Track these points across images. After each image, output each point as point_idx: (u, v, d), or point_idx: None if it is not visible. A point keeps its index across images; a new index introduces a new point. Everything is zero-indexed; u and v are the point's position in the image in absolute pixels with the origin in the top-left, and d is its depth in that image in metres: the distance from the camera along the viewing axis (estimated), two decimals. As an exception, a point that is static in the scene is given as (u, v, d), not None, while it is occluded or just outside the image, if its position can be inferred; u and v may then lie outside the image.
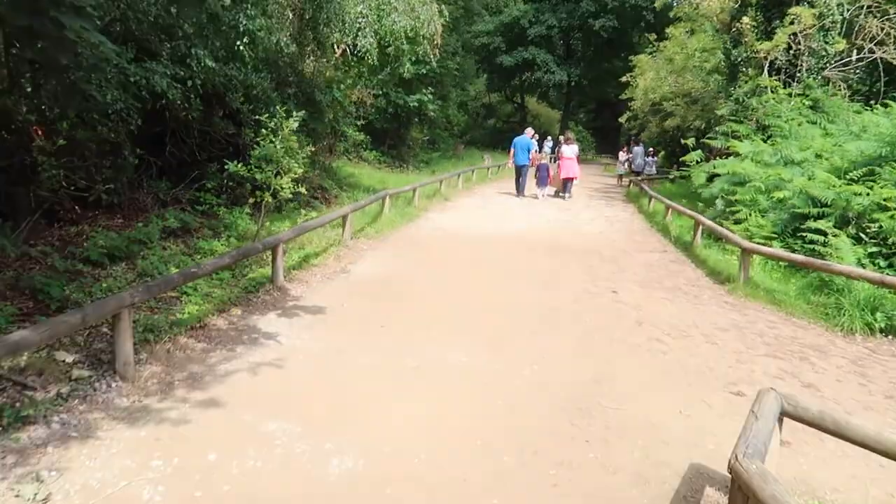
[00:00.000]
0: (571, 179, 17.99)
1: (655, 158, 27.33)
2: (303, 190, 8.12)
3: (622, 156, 25.75)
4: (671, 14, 20.31)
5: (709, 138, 13.81)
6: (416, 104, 21.23)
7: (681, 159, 13.70)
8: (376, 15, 11.24)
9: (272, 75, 10.93)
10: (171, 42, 7.53)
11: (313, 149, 11.63)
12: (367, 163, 21.16)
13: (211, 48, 7.60)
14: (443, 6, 12.06)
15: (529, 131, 18.49)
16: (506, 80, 44.74)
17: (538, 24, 40.26)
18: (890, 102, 11.64)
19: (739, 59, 13.77)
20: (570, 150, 17.86)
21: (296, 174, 8.05)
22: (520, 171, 17.53)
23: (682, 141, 14.01)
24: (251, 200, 8.00)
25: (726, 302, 7.35)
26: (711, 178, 13.09)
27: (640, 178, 22.80)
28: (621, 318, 6.42)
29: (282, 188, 7.81)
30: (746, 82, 13.75)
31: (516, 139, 17.66)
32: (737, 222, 9.58)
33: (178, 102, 7.83)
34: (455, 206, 15.16)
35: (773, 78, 13.10)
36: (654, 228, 12.92)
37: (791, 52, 12.93)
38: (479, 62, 41.74)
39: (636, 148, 25.19)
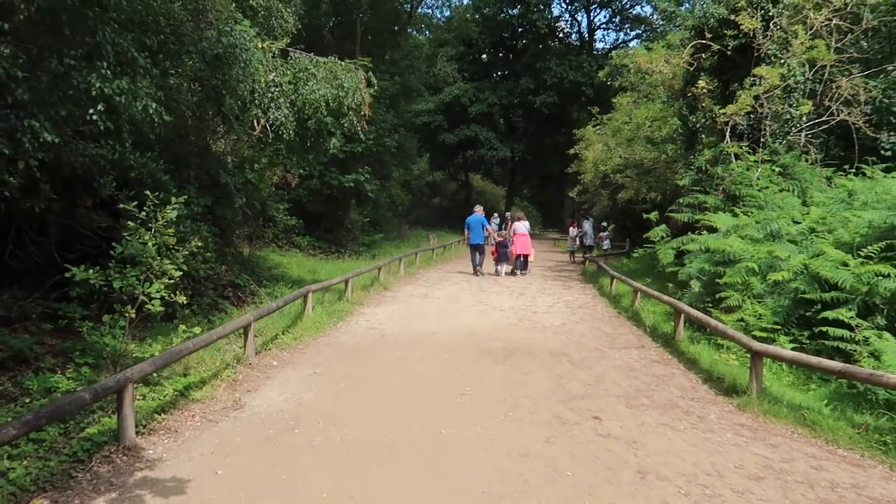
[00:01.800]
0: (527, 255, 17.64)
1: (608, 233, 26.39)
2: (181, 299, 6.16)
3: (572, 231, 24.61)
4: (617, 84, 19.61)
5: (672, 211, 12.54)
6: (351, 184, 19.65)
7: (644, 235, 12.35)
8: (291, 83, 9.65)
9: (165, 155, 9.13)
10: (-5, 111, 5.66)
11: (218, 240, 9.77)
12: (300, 249, 19.27)
13: (55, 118, 5.77)
14: (370, 74, 10.58)
15: (479, 208, 17.97)
16: (449, 157, 44.13)
17: (479, 103, 40.06)
18: (866, 168, 10.60)
19: (698, 126, 12.70)
20: (522, 227, 17.55)
21: (171, 279, 6.10)
22: (475, 249, 17.14)
23: (644, 215, 12.71)
24: (106, 317, 5.97)
25: (742, 425, 5.61)
26: (679, 254, 11.72)
27: (594, 254, 21.60)
28: (616, 469, 4.58)
29: (149, 299, 5.84)
30: (706, 149, 12.66)
31: (469, 218, 17.31)
32: (727, 311, 8.03)
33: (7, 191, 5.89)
34: (395, 296, 13.32)
35: (735, 144, 12.02)
36: (623, 315, 11.31)
37: (753, 116, 11.91)
38: (422, 141, 40.99)
39: (586, 223, 24.22)
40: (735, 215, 9.82)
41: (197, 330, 6.33)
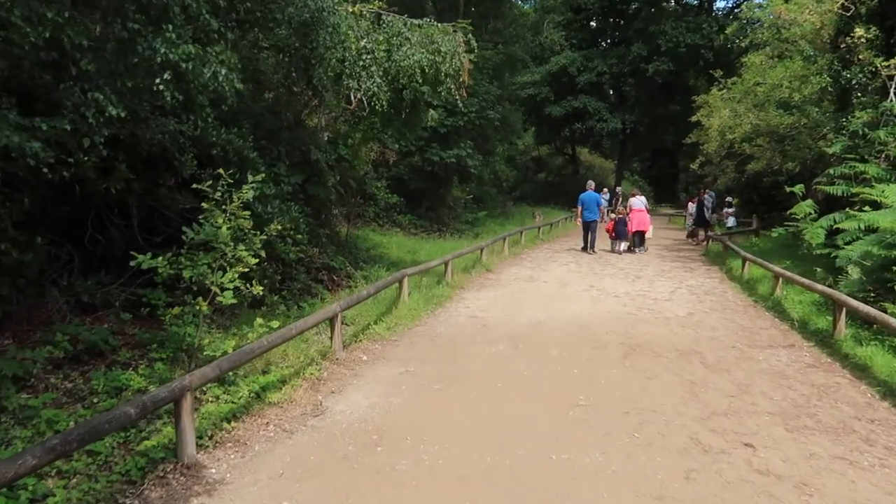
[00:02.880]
0: (643, 232, 17.24)
1: (734, 209, 24.13)
2: (257, 290, 5.53)
3: (692, 206, 22.52)
4: (746, 41, 17.51)
5: (819, 184, 10.80)
6: (453, 160, 18.82)
7: (788, 212, 10.66)
8: (384, 49, 8.86)
9: (255, 131, 8.63)
10: (62, 83, 5.20)
11: (310, 220, 9.22)
12: (401, 228, 18.73)
13: (121, 90, 5.26)
14: (470, 37, 9.61)
15: (591, 184, 17.60)
16: (555, 131, 42.33)
17: (587, 72, 37.96)
18: None
19: (853, 82, 10.80)
20: (639, 202, 17.25)
21: (248, 266, 5.48)
22: (588, 227, 16.79)
23: (787, 188, 11.01)
24: (176, 310, 5.43)
25: (952, 463, 4.29)
26: (829, 234, 10.05)
27: (717, 232, 19.69)
28: (786, 525, 3.48)
29: (221, 290, 5.23)
30: (864, 110, 10.76)
31: (583, 195, 16.90)
32: (909, 308, 6.53)
33: (89, 172, 5.47)
34: (498, 279, 12.41)
35: (903, 102, 10.09)
36: (761, 305, 9.80)
37: (926, 67, 9.94)
38: (527, 114, 39.54)
39: (707, 196, 22.05)
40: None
41: (275, 324, 5.69)
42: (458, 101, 9.77)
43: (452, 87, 9.30)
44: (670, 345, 7.31)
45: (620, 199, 28.70)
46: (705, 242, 18.47)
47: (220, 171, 5.61)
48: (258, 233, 5.78)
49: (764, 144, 16.74)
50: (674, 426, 4.84)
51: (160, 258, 5.28)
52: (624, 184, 41.89)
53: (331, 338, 6.58)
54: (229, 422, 4.73)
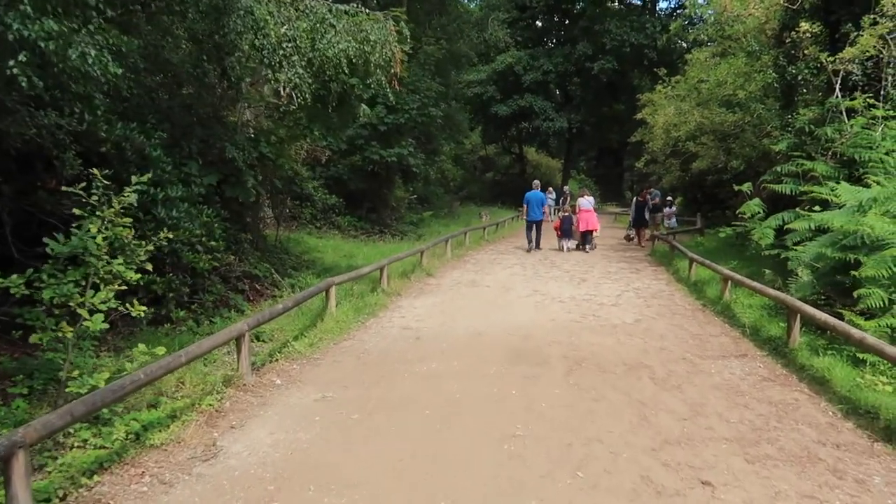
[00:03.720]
0: (591, 231, 17.41)
1: (674, 208, 23.85)
2: (137, 311, 4.68)
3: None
4: (691, 37, 17.32)
5: (767, 182, 10.49)
6: (395, 159, 18.04)
7: (737, 211, 10.29)
8: (307, 37, 8.05)
9: (162, 126, 7.72)
10: None
11: (228, 225, 8.37)
12: (340, 231, 17.86)
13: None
14: (403, 25, 8.88)
15: (537, 184, 18.09)
16: (502, 130, 42.10)
17: (533, 71, 37.75)
18: None
19: (799, 78, 10.52)
20: (587, 202, 17.60)
21: (128, 282, 4.63)
22: (532, 226, 17.15)
23: (736, 187, 10.67)
24: (34, 337, 4.53)
25: (929, 498, 3.79)
26: (779, 233, 9.74)
27: (661, 233, 19.45)
28: None
29: (89, 312, 4.37)
30: (809, 107, 10.50)
31: (528, 194, 17.21)
32: (866, 315, 6.10)
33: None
34: (439, 284, 11.73)
35: (848, 98, 9.84)
36: (710, 310, 9.38)
37: (871, 63, 9.70)
38: (473, 113, 39.08)
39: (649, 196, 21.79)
40: (867, 186, 7.73)
41: (160, 350, 4.84)
42: (390, 95, 9.03)
43: (383, 78, 8.57)
44: (617, 358, 6.75)
45: (568, 198, 28.45)
46: (651, 242, 18.17)
47: (95, 171, 4.73)
48: (142, 243, 4.92)
49: (708, 143, 16.55)
50: (622, 461, 4.22)
51: (14, 276, 4.38)
52: (571, 183, 41.86)
53: (237, 361, 5.76)
54: (93, 475, 3.89)
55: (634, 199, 19.38)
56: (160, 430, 4.54)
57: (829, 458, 4.28)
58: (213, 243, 7.85)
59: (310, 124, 9.38)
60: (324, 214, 17.75)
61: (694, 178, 21.83)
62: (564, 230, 17.15)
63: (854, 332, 5.36)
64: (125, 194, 4.81)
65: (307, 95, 8.17)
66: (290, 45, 7.99)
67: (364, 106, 9.71)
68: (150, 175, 5.25)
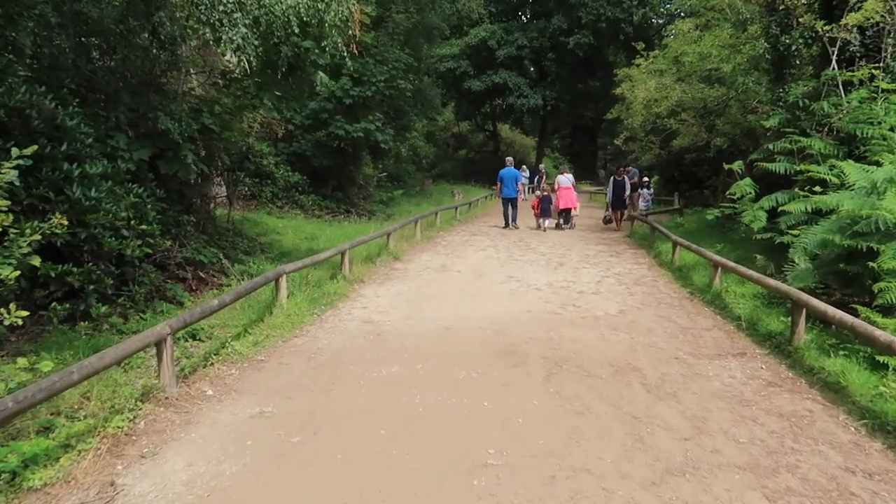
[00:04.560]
0: (570, 209, 17.30)
1: (650, 190, 22.52)
2: (13, 318, 3.76)
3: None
4: (673, 8, 16.51)
5: (757, 160, 9.79)
6: (361, 134, 17.03)
7: (728, 192, 9.57)
8: (252, -7, 7.04)
9: (85, 93, 6.70)
10: None
11: (164, 205, 7.40)
12: (303, 210, 16.85)
13: None
14: (363, -18, 7.93)
15: (510, 161, 17.82)
16: (476, 106, 41.13)
17: (507, 45, 36.72)
18: None
19: (793, 48, 9.78)
20: (566, 180, 17.26)
21: (3, 280, 3.70)
22: (508, 203, 17.08)
23: (726, 165, 9.95)
24: None
25: None
26: (770, 215, 9.07)
27: (640, 213, 18.73)
28: None
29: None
30: (803, 80, 9.80)
31: (502, 171, 17.14)
32: (884, 311, 5.41)
33: None
34: (406, 269, 10.87)
35: (846, 70, 9.15)
36: (697, 298, 8.68)
37: (871, 31, 9.00)
38: (446, 88, 37.95)
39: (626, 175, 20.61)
40: (873, 164, 7.02)
41: (46, 366, 3.92)
42: (348, 60, 8.05)
43: (339, 41, 7.60)
44: (602, 357, 5.98)
45: (545, 177, 27.70)
46: (630, 223, 17.43)
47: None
48: (23, 231, 3.98)
49: (689, 119, 15.82)
50: (618, 500, 3.45)
51: None
52: (545, 161, 41.12)
53: (158, 369, 4.85)
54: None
55: (612, 178, 18.13)
56: (46, 466, 3.65)
57: (863, 493, 3.55)
58: (144, 227, 6.89)
59: (259, 93, 8.39)
60: (286, 193, 16.74)
61: (672, 157, 21.18)
62: (543, 209, 16.95)
63: (880, 334, 4.63)
64: (3, 171, 3.85)
65: (253, 60, 7.18)
66: (231, 3, 6.99)
67: (322, 74, 8.72)
68: (35, 148, 4.26)
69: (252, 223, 12.93)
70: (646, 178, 22.55)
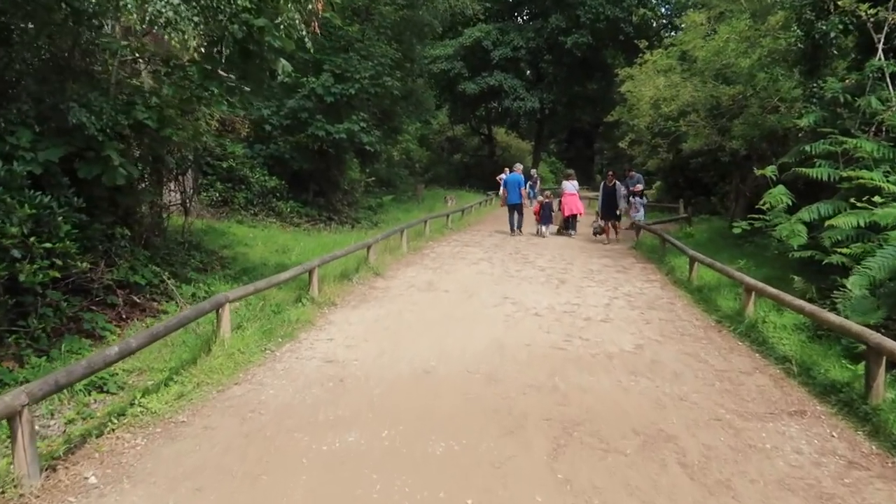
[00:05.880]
0: (575, 216, 16.87)
1: (644, 198, 19.11)
2: None
3: (621, 190, 19.12)
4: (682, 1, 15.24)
5: (793, 165, 8.49)
6: (343, 135, 15.66)
7: (761, 203, 8.22)
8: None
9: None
10: None
11: (86, 217, 6.04)
12: (280, 218, 15.47)
13: None
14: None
15: (519, 167, 18.05)
16: (470, 109, 39.76)
17: (503, 46, 35.39)
18: None
19: (832, 36, 8.48)
20: (571, 186, 16.69)
21: None
22: (513, 209, 16.81)
23: (756, 171, 8.65)
24: None
25: None
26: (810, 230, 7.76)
27: (646, 222, 17.31)
28: None
29: None
30: (834, 73, 8.52)
31: (507, 177, 17.44)
32: None
33: None
34: (387, 288, 9.52)
35: (894, 60, 7.88)
36: (726, 328, 7.31)
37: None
38: (440, 90, 36.64)
39: (628, 180, 18.62)
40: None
41: None
42: (307, 42, 6.68)
43: (297, 17, 6.25)
44: (624, 419, 4.63)
45: (538, 183, 26.48)
46: (636, 233, 15.90)
47: None
48: None
49: (700, 121, 14.49)
50: None
51: None
52: (541, 165, 39.86)
53: (11, 454, 3.48)
54: None
55: (602, 184, 16.13)
56: None
57: None
58: (51, 244, 5.53)
59: (204, 82, 7.04)
60: (262, 199, 15.37)
61: (676, 162, 19.88)
62: (544, 216, 16.73)
63: None
64: None
65: (191, 39, 5.83)
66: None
67: (284, 62, 7.37)
68: None
69: (217, 234, 11.57)
70: (640, 186, 19.99)
